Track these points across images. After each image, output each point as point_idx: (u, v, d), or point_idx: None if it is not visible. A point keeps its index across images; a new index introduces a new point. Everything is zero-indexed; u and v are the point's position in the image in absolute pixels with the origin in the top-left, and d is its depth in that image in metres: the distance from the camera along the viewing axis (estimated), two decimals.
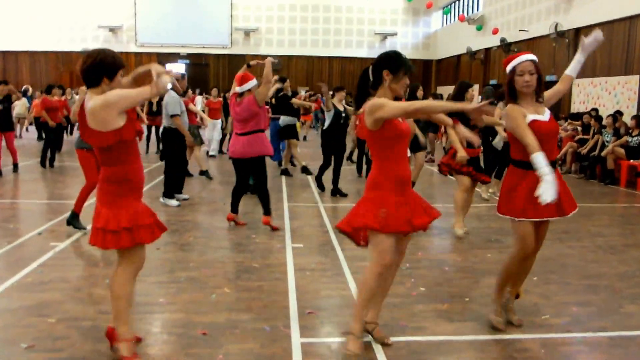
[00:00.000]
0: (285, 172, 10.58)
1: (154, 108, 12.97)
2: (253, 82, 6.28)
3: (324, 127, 8.99)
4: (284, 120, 10.37)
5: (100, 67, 3.08)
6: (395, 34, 27.59)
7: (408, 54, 30.11)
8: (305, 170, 10.35)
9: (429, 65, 27.91)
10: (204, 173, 10.10)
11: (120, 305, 3.24)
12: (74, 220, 6.11)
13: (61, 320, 3.81)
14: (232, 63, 26.80)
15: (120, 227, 3.13)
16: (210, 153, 13.41)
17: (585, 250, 5.90)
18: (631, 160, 10.27)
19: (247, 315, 3.95)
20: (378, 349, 3.45)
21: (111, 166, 3.18)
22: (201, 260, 5.23)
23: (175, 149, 7.81)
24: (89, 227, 6.20)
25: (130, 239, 3.16)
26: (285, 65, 27.06)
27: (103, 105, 3.02)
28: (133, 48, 26.89)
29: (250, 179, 6.84)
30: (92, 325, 3.73)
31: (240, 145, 6.29)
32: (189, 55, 27.42)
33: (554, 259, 5.54)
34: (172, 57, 27.23)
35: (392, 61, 3.36)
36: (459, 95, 6.25)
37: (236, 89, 6.32)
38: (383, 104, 3.21)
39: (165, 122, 7.73)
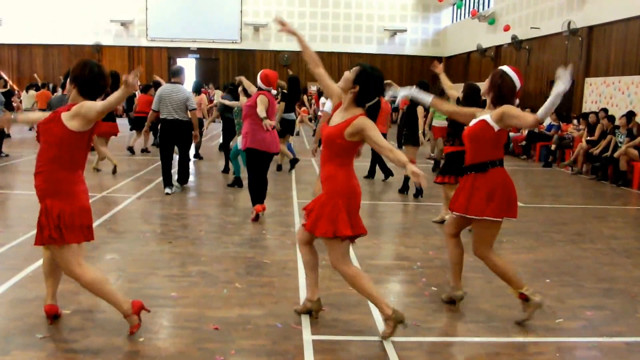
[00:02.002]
0: (280, 168, 10.71)
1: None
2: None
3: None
4: (285, 115, 10.43)
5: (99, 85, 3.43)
6: (405, 30, 27.46)
7: (417, 50, 29.98)
8: (280, 168, 10.63)
9: (439, 62, 27.79)
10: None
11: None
12: None
13: (76, 311, 3.83)
14: (242, 58, 26.80)
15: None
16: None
17: (599, 252, 5.84)
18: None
19: (258, 311, 3.94)
20: (390, 348, 3.43)
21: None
22: (212, 255, 5.23)
23: (187, 138, 8.01)
24: (104, 217, 6.24)
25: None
26: (294, 60, 26.99)
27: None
28: (144, 42, 26.93)
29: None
30: (106, 317, 3.73)
31: (271, 139, 6.45)
32: (199, 50, 27.43)
33: (568, 261, 5.49)
34: (182, 51, 27.26)
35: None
36: (473, 99, 6.16)
37: (272, 91, 6.63)
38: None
39: (175, 115, 7.78)
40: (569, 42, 15.48)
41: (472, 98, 6.15)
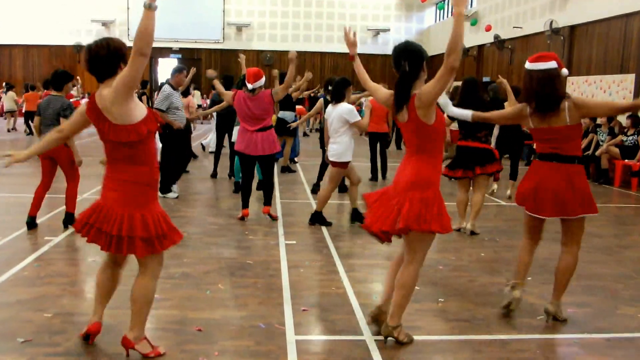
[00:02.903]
0: (286, 169, 10.57)
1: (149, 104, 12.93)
2: (263, 80, 6.31)
3: (322, 124, 8.98)
4: (282, 114, 10.23)
5: (116, 55, 3.04)
6: (388, 30, 27.55)
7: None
8: (289, 169, 10.56)
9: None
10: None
11: (143, 311, 3.23)
12: (72, 221, 6.03)
13: (58, 314, 3.78)
14: (224, 58, 26.67)
15: (155, 234, 3.08)
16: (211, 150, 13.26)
17: (581, 250, 5.81)
18: (626, 160, 10.30)
19: (242, 312, 3.92)
20: (373, 348, 3.43)
21: (139, 165, 3.05)
22: (196, 256, 5.19)
23: (175, 142, 7.77)
24: None
25: (160, 244, 3.14)
26: (277, 60, 26.96)
27: (116, 94, 2.94)
28: (126, 42, 26.61)
29: (258, 174, 6.88)
30: (88, 320, 3.67)
31: (258, 142, 6.32)
32: (181, 50, 27.25)
33: (550, 259, 5.51)
34: (164, 51, 27.06)
35: (425, 53, 3.47)
36: (472, 94, 6.15)
37: (248, 85, 6.27)
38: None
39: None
40: (551, 42, 15.64)
41: (470, 93, 6.15)
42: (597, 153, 10.70)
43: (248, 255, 5.29)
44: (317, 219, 6.50)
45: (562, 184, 3.75)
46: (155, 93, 14.29)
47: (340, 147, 6.30)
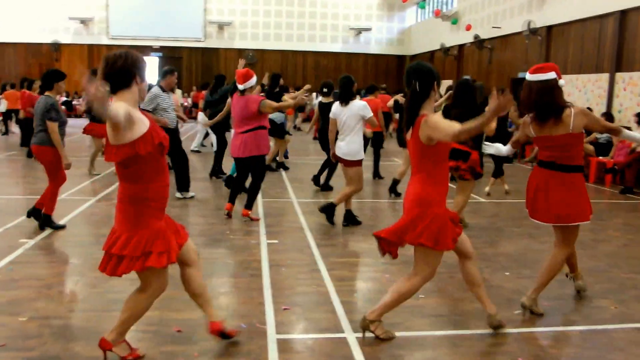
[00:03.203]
0: (281, 166, 10.62)
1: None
2: (254, 80, 6.31)
3: (320, 126, 9.09)
4: (272, 116, 10.20)
5: (132, 68, 2.95)
6: (370, 29, 27.63)
7: (382, 49, 30.21)
8: (270, 168, 10.43)
9: (403, 61, 28.03)
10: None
11: (129, 322, 3.20)
12: (49, 223, 5.98)
13: (32, 318, 3.73)
14: (206, 56, 26.52)
15: (136, 254, 2.98)
16: (193, 148, 13.20)
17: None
18: (600, 157, 10.48)
19: (222, 312, 3.91)
20: (355, 346, 3.46)
21: (131, 183, 3.00)
22: None
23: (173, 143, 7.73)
24: (62, 221, 6.09)
25: (141, 264, 3.00)
26: (259, 59, 26.88)
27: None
28: (105, 41, 26.37)
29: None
30: (64, 323, 3.66)
31: (239, 144, 6.32)
32: (162, 48, 27.00)
33: (526, 255, 5.62)
34: (145, 50, 26.76)
35: (436, 74, 3.48)
36: (465, 95, 6.11)
37: (239, 86, 6.28)
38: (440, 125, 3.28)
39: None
40: (529, 42, 15.82)
41: (463, 94, 6.09)
42: None
43: (229, 255, 5.28)
44: (350, 218, 6.51)
45: (557, 191, 3.92)
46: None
47: (356, 145, 6.30)
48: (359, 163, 6.36)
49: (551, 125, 3.89)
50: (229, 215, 6.63)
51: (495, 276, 4.87)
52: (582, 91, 13.58)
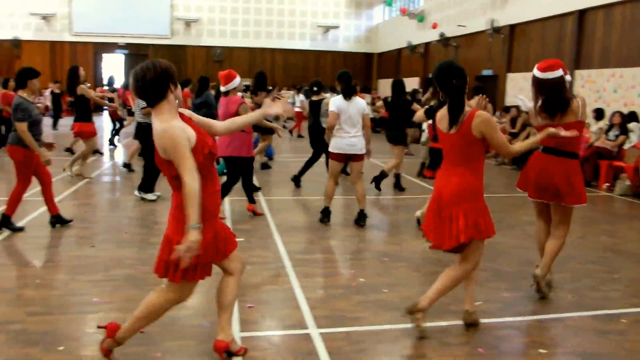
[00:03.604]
0: (265, 166, 10.61)
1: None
2: (237, 81, 6.29)
3: (310, 124, 9.16)
4: None
5: (164, 77, 2.85)
6: (338, 27, 27.72)
7: (350, 47, 30.28)
8: (266, 166, 10.58)
9: (370, 58, 28.21)
10: None
11: (142, 323, 3.23)
12: (7, 224, 5.84)
13: None
14: (173, 54, 26.16)
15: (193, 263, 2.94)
16: None
17: (517, 238, 6.15)
18: None
19: (186, 311, 3.90)
20: (318, 341, 3.48)
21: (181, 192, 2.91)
22: (138, 257, 5.11)
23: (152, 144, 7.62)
24: (20, 223, 5.95)
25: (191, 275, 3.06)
26: (227, 56, 26.72)
27: (164, 134, 2.82)
28: (67, 37, 25.79)
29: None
30: (22, 328, 3.58)
31: (222, 144, 6.30)
32: (128, 46, 26.57)
33: (488, 247, 5.70)
34: (110, 47, 26.34)
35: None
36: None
37: (221, 88, 6.31)
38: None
39: (139, 118, 7.51)
40: (492, 40, 16.11)
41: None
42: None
43: None
44: (362, 217, 6.47)
45: (561, 175, 4.20)
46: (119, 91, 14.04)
47: (362, 140, 6.37)
48: (363, 157, 6.50)
49: (560, 116, 4.16)
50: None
51: None
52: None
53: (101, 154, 12.06)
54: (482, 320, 3.87)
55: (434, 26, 19.79)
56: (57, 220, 6.03)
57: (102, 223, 6.32)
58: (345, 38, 27.92)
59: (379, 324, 3.79)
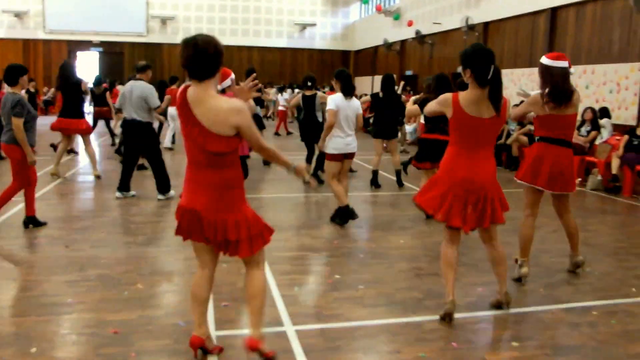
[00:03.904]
0: (266, 162, 10.69)
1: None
2: (232, 77, 6.24)
3: (301, 117, 9.18)
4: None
5: (220, 56, 2.87)
6: (315, 25, 27.73)
7: (327, 44, 30.33)
8: (266, 162, 10.66)
9: (347, 56, 28.30)
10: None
11: (263, 306, 3.15)
12: None
13: None
14: (148, 52, 25.94)
15: (255, 232, 3.00)
16: (167, 145, 12.88)
17: None
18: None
19: (161, 310, 3.88)
20: (294, 338, 3.50)
21: (233, 169, 2.95)
22: (114, 256, 5.07)
23: (150, 141, 7.54)
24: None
25: (262, 242, 3.09)
26: None
27: (242, 111, 2.85)
28: (41, 35, 25.34)
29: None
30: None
31: None
32: (102, 44, 26.23)
33: (464, 243, 5.77)
34: (84, 45, 25.97)
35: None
36: (445, 87, 6.40)
37: (217, 86, 6.24)
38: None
39: (134, 115, 7.34)
40: (467, 37, 16.28)
41: (444, 86, 6.47)
42: (508, 142, 11.27)
43: (169, 252, 5.22)
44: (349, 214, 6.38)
45: (569, 166, 4.52)
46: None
47: (355, 139, 6.40)
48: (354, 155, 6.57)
49: (565, 106, 4.39)
50: None
51: (435, 264, 5.01)
52: (517, 85, 14.08)
53: (76, 153, 11.89)
54: (457, 315, 3.91)
55: (410, 24, 19.92)
56: (31, 222, 5.94)
57: (77, 223, 6.24)
58: (322, 36, 27.95)
59: (354, 321, 3.81)
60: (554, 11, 12.95)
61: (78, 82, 8.78)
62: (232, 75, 6.25)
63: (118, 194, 7.54)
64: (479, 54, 3.63)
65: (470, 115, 3.65)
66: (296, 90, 18.76)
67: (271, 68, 27.13)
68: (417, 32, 19.32)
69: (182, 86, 3.00)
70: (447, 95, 3.74)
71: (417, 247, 5.63)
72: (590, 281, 4.75)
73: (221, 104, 2.84)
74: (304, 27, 27.73)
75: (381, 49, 23.52)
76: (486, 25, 15.69)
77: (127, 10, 26.10)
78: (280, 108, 18.07)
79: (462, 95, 3.69)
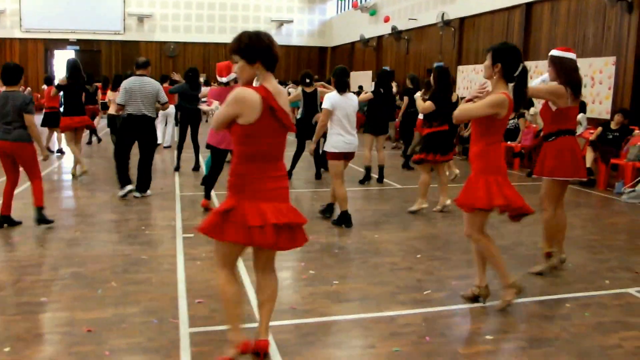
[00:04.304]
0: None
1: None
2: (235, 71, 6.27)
3: (298, 117, 9.16)
4: None
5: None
6: (292, 21, 27.67)
7: (304, 41, 30.23)
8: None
9: (324, 52, 28.30)
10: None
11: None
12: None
13: None
14: (125, 50, 25.63)
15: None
16: (165, 144, 12.77)
17: (465, 227, 6.27)
18: (508, 142, 11.04)
19: (134, 308, 3.86)
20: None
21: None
22: (88, 255, 5.03)
23: (153, 137, 7.45)
24: None
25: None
26: (181, 52, 26.33)
27: None
28: (17, 34, 24.86)
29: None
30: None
31: (223, 136, 6.27)
32: (79, 42, 25.84)
33: (438, 237, 5.88)
34: (61, 43, 25.56)
35: None
36: (446, 80, 6.90)
37: (221, 79, 6.30)
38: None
39: (144, 111, 7.22)
40: (443, 33, 16.39)
41: (445, 79, 6.87)
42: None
43: (143, 250, 5.20)
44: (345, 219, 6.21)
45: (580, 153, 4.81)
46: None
47: (357, 138, 6.25)
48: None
49: (573, 99, 4.55)
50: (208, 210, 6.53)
51: (408, 259, 5.07)
52: (493, 80, 14.25)
53: (62, 152, 11.78)
54: (430, 309, 3.96)
55: (386, 19, 19.99)
56: (5, 221, 5.87)
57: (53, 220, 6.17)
58: (299, 32, 27.89)
59: (328, 316, 3.83)
60: (529, 6, 13.10)
61: (84, 81, 8.87)
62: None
63: (126, 189, 7.37)
64: (511, 50, 3.77)
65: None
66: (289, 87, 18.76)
67: None
68: (394, 28, 19.40)
69: (259, 86, 2.97)
70: (503, 97, 3.76)
71: (392, 242, 5.67)
72: (564, 274, 4.81)
73: (281, 89, 3.03)
74: (280, 24, 27.64)
75: (358, 45, 23.55)
76: (462, 20, 15.81)
77: (103, 9, 25.76)
78: None
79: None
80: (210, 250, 5.19)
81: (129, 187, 7.38)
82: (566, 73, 4.50)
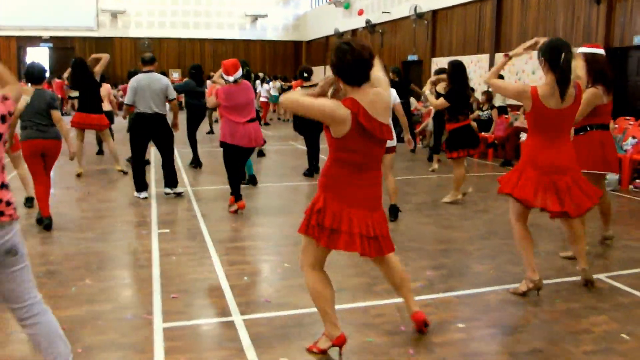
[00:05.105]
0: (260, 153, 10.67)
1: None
2: (241, 70, 6.36)
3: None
4: None
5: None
6: (266, 16, 27.56)
7: (279, 35, 30.21)
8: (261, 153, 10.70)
9: (299, 46, 28.25)
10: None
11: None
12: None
13: None
14: (99, 46, 25.23)
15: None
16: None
17: (440, 218, 6.37)
18: (482, 133, 11.17)
19: (108, 305, 3.85)
20: (241, 328, 3.51)
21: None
22: (62, 253, 4.98)
23: (169, 133, 7.21)
24: None
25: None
26: (156, 47, 26.04)
27: None
28: None
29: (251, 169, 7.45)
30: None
31: (252, 133, 6.27)
32: (52, 39, 25.42)
33: (413, 228, 5.93)
34: (34, 40, 25.12)
35: None
36: (462, 74, 6.87)
37: (229, 77, 6.25)
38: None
39: (155, 109, 6.96)
40: (416, 25, 16.50)
41: (461, 73, 6.80)
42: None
43: (118, 247, 5.16)
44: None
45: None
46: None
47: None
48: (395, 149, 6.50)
49: (607, 94, 4.66)
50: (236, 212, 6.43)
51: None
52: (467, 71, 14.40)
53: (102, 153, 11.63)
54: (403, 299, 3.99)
55: (360, 13, 20.04)
56: (49, 221, 5.78)
57: (26, 219, 6.08)
58: (274, 27, 27.81)
59: (302, 308, 3.84)
60: None
61: (94, 78, 8.67)
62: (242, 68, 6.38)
63: (143, 195, 7.17)
64: (552, 43, 3.84)
65: (548, 108, 3.79)
66: (277, 82, 18.72)
67: (223, 60, 26.87)
68: (368, 22, 19.46)
69: (347, 99, 2.87)
70: (526, 87, 3.80)
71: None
72: (536, 261, 4.85)
73: (383, 92, 2.99)
74: (255, 18, 27.52)
75: (333, 39, 23.57)
76: (434, 13, 15.92)
77: (76, 5, 25.38)
78: (262, 99, 18.06)
79: (541, 88, 3.81)
80: (186, 246, 5.19)
81: (144, 195, 7.14)
82: (598, 70, 4.60)
